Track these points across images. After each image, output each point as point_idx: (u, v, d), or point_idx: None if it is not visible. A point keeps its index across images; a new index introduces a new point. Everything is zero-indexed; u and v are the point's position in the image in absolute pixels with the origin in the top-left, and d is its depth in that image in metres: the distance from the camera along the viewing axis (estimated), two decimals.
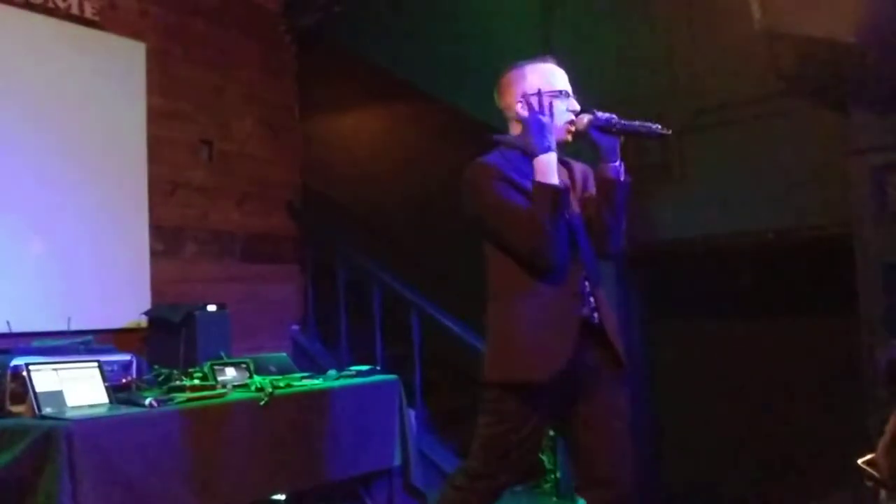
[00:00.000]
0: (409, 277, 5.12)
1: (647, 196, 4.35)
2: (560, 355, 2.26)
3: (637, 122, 2.40)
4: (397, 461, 3.83)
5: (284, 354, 4.19)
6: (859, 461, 1.65)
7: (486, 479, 2.38)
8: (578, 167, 2.53)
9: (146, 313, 4.35)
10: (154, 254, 4.83)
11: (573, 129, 2.41)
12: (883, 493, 1.62)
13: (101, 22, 4.69)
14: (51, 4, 4.43)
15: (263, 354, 4.03)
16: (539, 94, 2.34)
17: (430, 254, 5.26)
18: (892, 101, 3.49)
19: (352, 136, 5.99)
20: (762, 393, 4.15)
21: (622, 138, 2.39)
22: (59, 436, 2.62)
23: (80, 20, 4.59)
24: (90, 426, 2.73)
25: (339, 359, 5.21)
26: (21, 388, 2.88)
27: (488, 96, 4.93)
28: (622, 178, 2.38)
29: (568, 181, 2.43)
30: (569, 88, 2.47)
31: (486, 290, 2.43)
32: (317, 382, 3.70)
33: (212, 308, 4.20)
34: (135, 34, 4.87)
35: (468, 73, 5.02)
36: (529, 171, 2.32)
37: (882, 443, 1.63)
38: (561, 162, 2.42)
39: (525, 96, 2.39)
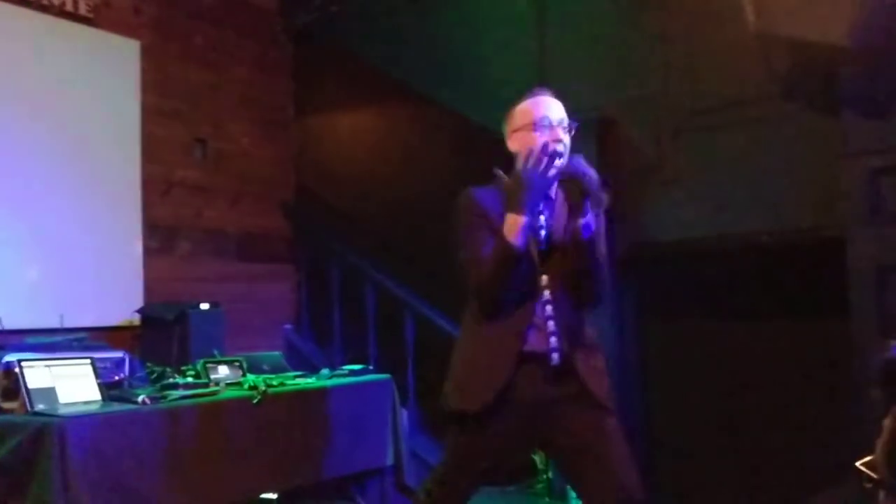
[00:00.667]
0: (402, 277, 5.12)
1: (641, 198, 4.37)
2: (490, 388, 2.32)
3: (583, 178, 2.36)
4: (390, 461, 3.83)
5: (278, 353, 4.20)
6: (858, 463, 1.65)
7: (450, 486, 2.47)
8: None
9: (139, 311, 4.34)
10: (148, 252, 4.83)
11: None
12: (882, 495, 1.62)
13: (95, 19, 4.69)
14: (45, 1, 4.43)
15: (257, 353, 4.02)
16: (544, 149, 2.29)
17: (423, 254, 5.26)
18: (885, 104, 3.50)
19: (347, 136, 5.99)
20: (755, 395, 4.16)
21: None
22: (51, 432, 2.61)
23: (75, 17, 4.59)
24: (83, 423, 2.72)
25: (332, 358, 5.21)
26: (13, 384, 2.88)
27: (482, 98, 4.94)
28: (585, 236, 2.32)
29: (563, 209, 2.42)
30: (548, 119, 2.42)
31: None
32: (310, 381, 3.70)
33: (205, 306, 4.20)
34: (129, 32, 4.88)
35: (463, 74, 5.03)
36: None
37: (881, 443, 1.63)
38: (562, 187, 2.43)
39: (513, 133, 2.44)
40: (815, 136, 3.81)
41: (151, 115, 4.93)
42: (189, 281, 4.99)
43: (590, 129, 4.42)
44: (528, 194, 2.27)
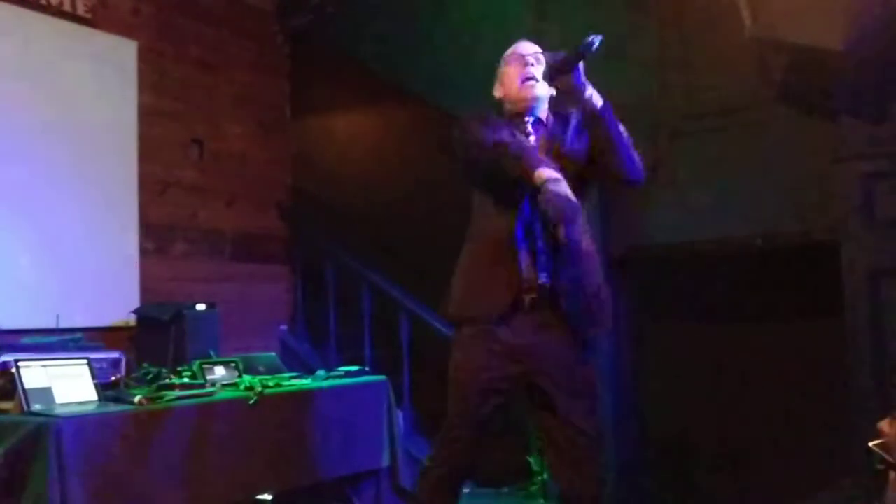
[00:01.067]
0: (398, 279, 5.13)
1: (637, 200, 4.38)
2: (505, 297, 2.42)
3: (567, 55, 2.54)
4: (385, 462, 3.83)
5: (273, 354, 4.19)
6: (870, 444, 1.67)
7: (448, 448, 2.54)
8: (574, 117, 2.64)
9: (135, 312, 4.34)
10: (144, 252, 4.83)
11: (532, 87, 2.57)
12: (893, 475, 1.63)
13: (93, 19, 4.68)
14: (42, 1, 4.43)
15: (252, 354, 4.02)
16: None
17: (419, 255, 5.26)
18: (879, 109, 3.53)
19: (343, 137, 5.99)
20: (749, 397, 4.18)
21: (580, 67, 2.53)
22: (48, 433, 2.61)
23: (73, 17, 4.58)
24: (79, 423, 2.72)
25: (326, 359, 5.21)
26: (10, 384, 2.88)
27: (478, 101, 4.94)
28: (600, 106, 2.52)
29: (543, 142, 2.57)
30: (527, 52, 2.64)
31: None
32: (306, 382, 3.70)
33: (201, 307, 4.19)
34: (127, 32, 4.87)
35: (459, 77, 5.04)
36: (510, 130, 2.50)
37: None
38: (556, 114, 2.62)
39: (499, 80, 2.67)
40: (809, 141, 3.84)
41: (148, 115, 4.93)
42: (184, 281, 4.99)
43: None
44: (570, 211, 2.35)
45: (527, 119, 2.59)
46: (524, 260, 2.44)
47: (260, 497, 3.67)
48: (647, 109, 4.33)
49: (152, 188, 4.94)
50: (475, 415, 2.51)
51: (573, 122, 2.60)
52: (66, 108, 4.49)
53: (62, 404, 2.87)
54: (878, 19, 3.23)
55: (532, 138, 2.54)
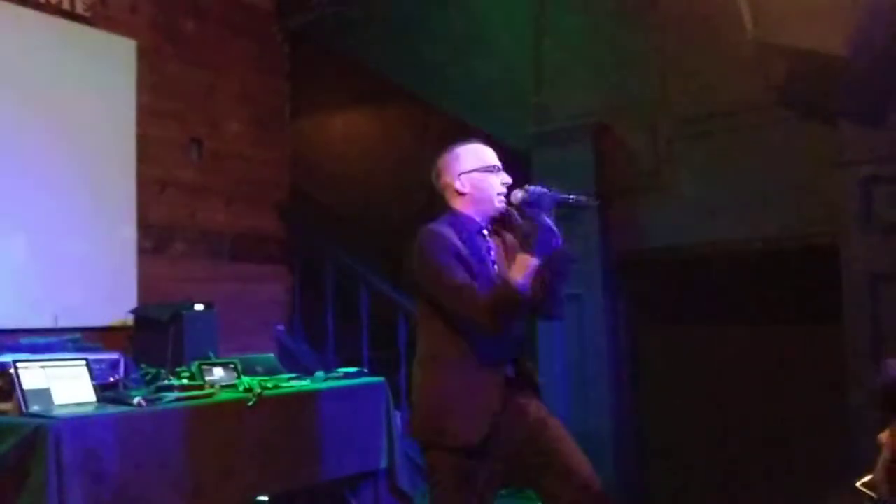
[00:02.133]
0: (396, 280, 5.13)
1: (636, 204, 4.38)
2: (485, 420, 2.40)
3: (571, 196, 2.48)
4: (383, 463, 3.83)
5: (272, 355, 4.18)
6: (857, 483, 1.67)
7: None
8: (509, 237, 2.65)
9: (133, 311, 4.33)
10: (142, 252, 4.81)
11: (504, 201, 2.55)
12: None
13: (91, 18, 4.67)
14: (42, 0, 4.41)
15: (251, 355, 4.02)
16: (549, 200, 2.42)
17: None
18: (880, 113, 3.53)
19: (342, 138, 5.99)
20: (746, 401, 4.18)
21: (554, 210, 2.46)
22: (46, 434, 2.60)
23: (71, 16, 4.57)
24: (78, 425, 2.71)
25: (324, 360, 5.20)
26: (8, 385, 2.86)
27: (478, 101, 4.94)
28: (561, 248, 2.44)
29: (502, 252, 2.59)
30: (499, 164, 2.61)
31: (416, 351, 2.59)
32: (304, 384, 3.69)
33: (199, 307, 4.18)
34: (126, 31, 4.86)
35: (459, 78, 5.04)
36: (473, 238, 2.51)
37: (881, 463, 1.64)
38: (496, 233, 2.61)
39: (463, 174, 2.56)
40: (809, 145, 3.84)
41: (147, 114, 4.92)
42: (183, 281, 4.97)
43: (585, 135, 4.44)
44: (546, 239, 2.35)
45: (486, 230, 2.58)
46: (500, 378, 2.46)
47: (258, 498, 3.67)
48: (647, 112, 4.34)
49: (151, 188, 4.92)
50: None
51: (509, 241, 2.62)
52: (64, 108, 4.47)
53: (61, 405, 2.86)
54: (880, 24, 3.23)
55: (492, 251, 2.55)
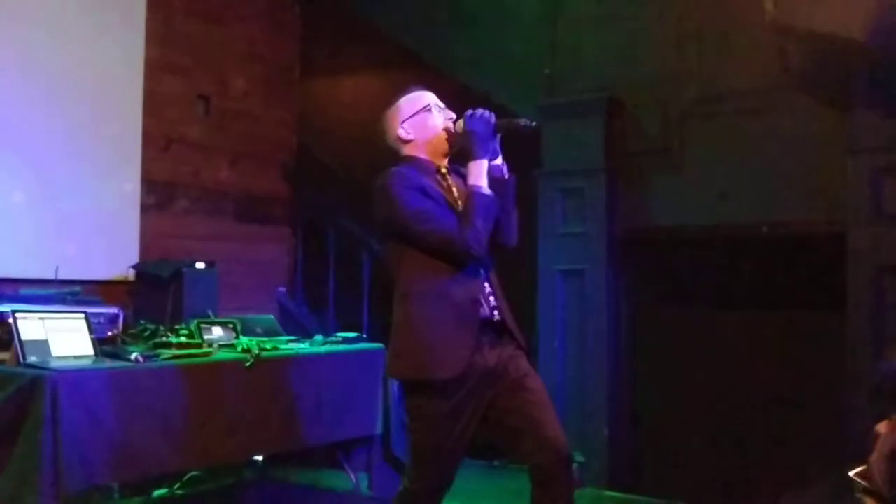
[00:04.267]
0: None
1: (643, 181, 4.36)
2: (463, 355, 2.41)
3: (510, 119, 2.55)
4: (378, 430, 3.84)
5: (271, 317, 4.19)
6: (851, 473, 1.66)
7: (425, 481, 2.52)
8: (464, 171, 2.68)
9: (134, 267, 4.32)
10: (145, 208, 4.79)
11: (451, 134, 2.57)
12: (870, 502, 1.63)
13: None
14: None
15: (251, 316, 4.01)
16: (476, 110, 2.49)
17: None
18: (895, 103, 3.49)
19: (351, 101, 5.93)
20: (744, 384, 4.18)
21: (499, 136, 2.53)
22: (42, 385, 2.61)
23: None
24: (75, 377, 2.72)
25: (324, 324, 5.20)
26: (7, 335, 2.87)
27: (489, 70, 4.88)
28: (507, 176, 2.56)
29: (464, 188, 2.57)
30: (438, 102, 2.65)
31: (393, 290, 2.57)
32: (303, 347, 3.70)
33: (200, 266, 4.17)
34: None
35: (472, 46, 4.98)
36: (433, 178, 2.55)
37: (877, 453, 1.64)
38: (455, 171, 2.62)
39: (405, 121, 2.61)
40: (822, 131, 3.80)
41: (155, 69, 4.87)
42: (185, 239, 4.96)
43: (597, 109, 4.40)
44: (484, 139, 2.46)
45: (445, 168, 2.61)
46: (483, 315, 2.47)
47: (253, 458, 3.69)
48: (659, 89, 4.29)
49: (156, 143, 4.89)
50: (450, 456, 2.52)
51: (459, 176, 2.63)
52: (71, 59, 4.43)
53: (58, 357, 2.87)
54: None
55: (454, 189, 2.56)
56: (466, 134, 2.49)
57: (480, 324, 2.46)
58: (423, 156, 2.59)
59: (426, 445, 2.49)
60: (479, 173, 2.46)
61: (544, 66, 4.66)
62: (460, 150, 2.54)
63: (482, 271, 2.51)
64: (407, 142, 2.62)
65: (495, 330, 2.50)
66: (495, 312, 2.50)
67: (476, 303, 2.46)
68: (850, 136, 3.66)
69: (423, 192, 2.47)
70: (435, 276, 2.45)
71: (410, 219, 2.44)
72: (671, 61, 4.25)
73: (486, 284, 2.52)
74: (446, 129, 2.58)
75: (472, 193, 2.45)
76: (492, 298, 2.52)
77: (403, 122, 2.62)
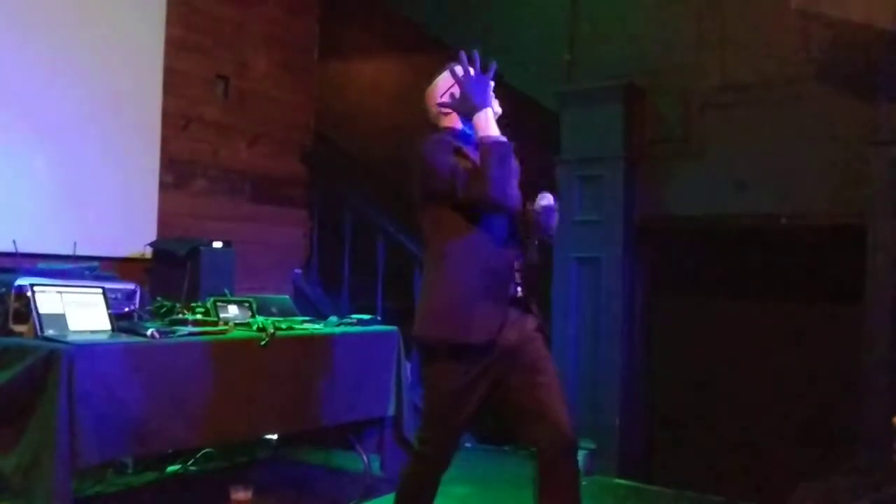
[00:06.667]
0: (413, 231, 5.11)
1: (662, 169, 4.33)
2: (496, 322, 2.46)
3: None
4: (391, 412, 3.85)
5: (287, 297, 4.20)
6: (895, 419, 1.64)
7: (434, 446, 2.57)
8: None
9: (151, 245, 4.34)
10: (163, 186, 4.81)
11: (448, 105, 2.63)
12: None
13: None
14: None
15: (266, 295, 4.03)
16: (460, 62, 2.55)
17: None
18: None
19: (370, 85, 5.92)
20: (758, 374, 4.17)
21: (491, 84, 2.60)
22: (59, 359, 2.62)
23: None
24: (91, 352, 2.73)
25: (338, 306, 5.22)
26: (24, 307, 2.89)
27: (510, 58, 4.86)
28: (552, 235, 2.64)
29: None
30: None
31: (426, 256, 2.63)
32: (318, 327, 3.71)
33: (217, 245, 4.18)
34: None
35: (493, 33, 4.95)
36: (465, 148, 2.56)
37: None
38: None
39: (443, 96, 2.66)
40: (845, 121, 3.76)
41: (175, 48, 4.88)
42: (202, 218, 4.98)
43: (617, 96, 4.37)
44: (480, 89, 2.53)
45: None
46: (511, 291, 2.52)
47: (266, 437, 3.70)
48: (680, 77, 4.26)
49: (175, 122, 4.90)
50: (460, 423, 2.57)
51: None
52: (91, 38, 4.43)
53: (75, 331, 2.88)
54: None
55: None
56: (456, 96, 2.55)
57: (510, 298, 2.50)
58: (459, 127, 2.65)
59: (443, 409, 2.53)
60: (484, 126, 2.50)
61: (564, 52, 4.63)
62: (466, 114, 2.58)
63: (515, 246, 2.55)
64: (448, 115, 2.68)
65: (520, 306, 2.54)
66: (519, 289, 2.54)
67: (510, 272, 2.51)
68: (872, 127, 3.62)
69: (458, 153, 2.51)
70: (470, 243, 2.49)
71: (439, 175, 2.47)
72: (693, 49, 4.21)
73: (517, 262, 2.56)
74: (441, 105, 2.64)
75: (480, 145, 2.48)
76: (517, 275, 2.55)
77: (441, 96, 2.68)
